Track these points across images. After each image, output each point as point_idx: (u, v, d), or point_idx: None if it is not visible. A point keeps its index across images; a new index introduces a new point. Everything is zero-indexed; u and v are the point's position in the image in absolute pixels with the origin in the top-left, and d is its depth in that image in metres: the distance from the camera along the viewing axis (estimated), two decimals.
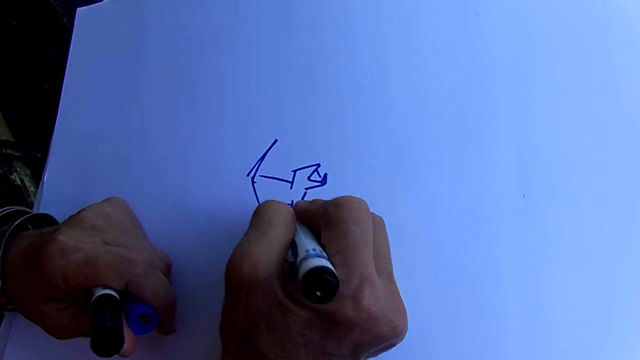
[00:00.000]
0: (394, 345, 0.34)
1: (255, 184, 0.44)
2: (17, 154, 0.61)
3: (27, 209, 0.49)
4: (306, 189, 0.44)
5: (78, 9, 0.54)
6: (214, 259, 0.44)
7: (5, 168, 0.59)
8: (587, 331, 0.40)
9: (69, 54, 0.54)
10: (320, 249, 0.33)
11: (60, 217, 0.49)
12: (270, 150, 0.45)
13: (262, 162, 0.45)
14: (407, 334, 0.34)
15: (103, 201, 0.46)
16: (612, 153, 0.42)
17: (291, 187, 0.44)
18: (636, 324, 0.40)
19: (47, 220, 0.48)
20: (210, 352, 0.43)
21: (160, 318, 0.41)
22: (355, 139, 0.44)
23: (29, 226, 0.47)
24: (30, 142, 0.71)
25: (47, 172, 0.51)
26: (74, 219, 0.43)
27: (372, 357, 0.35)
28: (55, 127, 0.52)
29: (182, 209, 0.46)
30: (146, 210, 0.47)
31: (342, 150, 0.44)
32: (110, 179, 0.49)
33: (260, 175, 0.44)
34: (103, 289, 0.39)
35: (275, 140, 0.45)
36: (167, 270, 0.44)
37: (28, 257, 0.42)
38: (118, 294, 0.40)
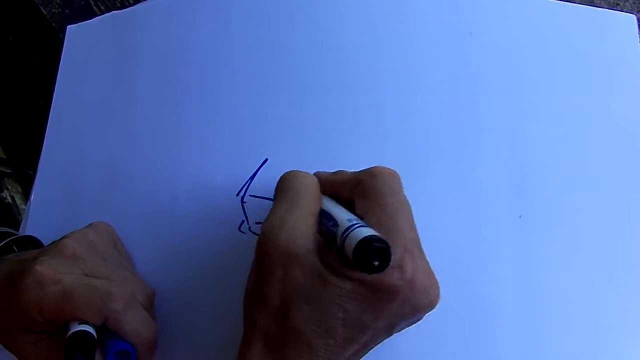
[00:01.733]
0: (420, 319, 0.34)
1: (244, 204, 0.44)
2: (8, 171, 0.60)
3: (12, 231, 0.47)
4: None
5: (68, 26, 0.54)
6: (199, 284, 0.43)
7: None
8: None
9: (58, 72, 0.53)
10: (358, 218, 0.32)
11: (46, 237, 0.48)
12: (261, 170, 0.44)
13: (252, 182, 0.44)
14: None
15: (87, 227, 0.45)
16: (607, 172, 0.43)
17: None
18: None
19: (32, 242, 0.47)
20: None
21: (139, 355, 0.40)
22: (346, 158, 0.43)
23: (14, 248, 0.45)
24: (24, 157, 0.70)
25: (34, 192, 0.50)
26: (54, 247, 0.42)
27: (397, 332, 0.34)
28: (44, 145, 0.52)
29: (170, 229, 0.45)
30: (133, 229, 0.46)
31: (333, 169, 0.43)
32: (98, 198, 0.48)
33: (250, 195, 0.44)
34: (80, 323, 0.38)
35: (266, 160, 0.44)
36: (149, 304, 0.43)
37: (6, 286, 0.40)
38: (96, 328, 0.38)
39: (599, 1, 0.53)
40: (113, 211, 0.47)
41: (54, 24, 0.74)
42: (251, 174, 0.44)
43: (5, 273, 0.42)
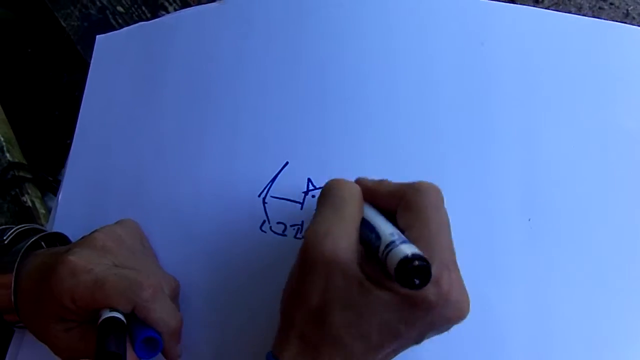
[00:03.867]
0: (449, 329, 0.35)
1: (266, 204, 0.45)
2: (28, 176, 0.62)
3: (41, 227, 0.49)
4: None
5: (97, 36, 0.56)
6: (222, 282, 0.45)
7: (17, 190, 0.60)
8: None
9: (88, 78, 0.55)
10: (400, 232, 0.33)
11: (73, 236, 0.49)
12: (282, 172, 0.46)
13: (273, 184, 0.46)
14: None
15: (115, 223, 0.47)
16: (614, 178, 0.44)
17: (301, 208, 0.45)
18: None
19: (60, 239, 0.49)
20: None
21: (165, 343, 0.41)
22: (364, 162, 0.45)
23: (43, 244, 0.47)
24: (39, 166, 0.72)
25: (61, 192, 0.52)
26: (85, 240, 0.44)
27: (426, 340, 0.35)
28: (72, 148, 0.53)
29: (194, 228, 0.47)
30: (158, 229, 0.48)
31: (351, 173, 0.44)
32: (123, 200, 0.50)
33: (271, 196, 0.45)
34: (110, 311, 0.39)
35: (287, 163, 0.46)
36: (175, 295, 0.44)
37: (39, 276, 0.42)
38: (125, 316, 0.40)
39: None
40: (138, 212, 0.49)
41: (72, 37, 0.76)
42: (272, 177, 0.46)
43: (38, 265, 0.43)
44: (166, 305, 0.41)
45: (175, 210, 0.48)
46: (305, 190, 0.45)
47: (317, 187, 0.45)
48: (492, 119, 0.46)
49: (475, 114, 0.46)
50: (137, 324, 0.40)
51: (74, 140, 0.53)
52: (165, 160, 0.49)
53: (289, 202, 0.45)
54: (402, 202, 0.35)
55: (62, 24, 0.77)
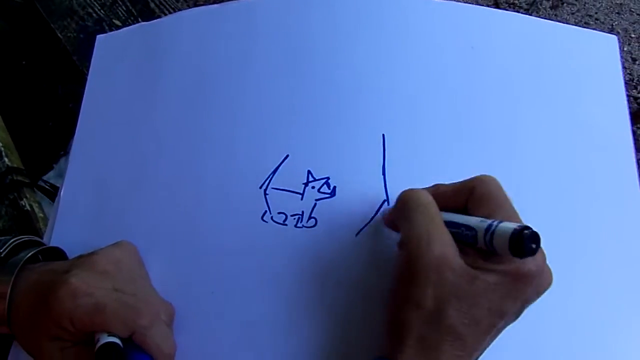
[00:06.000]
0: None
1: (267, 196, 0.47)
2: (27, 181, 0.63)
3: (39, 240, 0.49)
4: (316, 200, 0.46)
5: (98, 35, 0.57)
6: (224, 271, 0.46)
7: (15, 194, 0.60)
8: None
9: (87, 78, 0.56)
10: (484, 219, 0.36)
11: (73, 244, 0.49)
12: (282, 165, 0.47)
13: (274, 176, 0.47)
14: None
15: (114, 245, 0.47)
16: (591, 181, 0.48)
17: (302, 199, 0.46)
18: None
19: (57, 253, 0.49)
20: None
21: None
22: (363, 154, 0.47)
23: (39, 257, 0.47)
24: (33, 176, 0.72)
25: (63, 190, 0.52)
26: (85, 262, 0.44)
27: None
28: (72, 148, 0.54)
29: (196, 221, 0.48)
30: (160, 224, 0.49)
31: (350, 165, 0.46)
32: (124, 197, 0.50)
33: (272, 188, 0.47)
34: (108, 335, 0.40)
35: (287, 156, 0.48)
36: (170, 321, 0.45)
37: (36, 293, 0.42)
38: (121, 341, 0.40)
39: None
40: (140, 208, 0.49)
41: (69, 48, 0.78)
42: (273, 169, 0.48)
43: (34, 282, 0.43)
44: (162, 332, 0.42)
45: (177, 204, 0.49)
46: (305, 181, 0.47)
47: (317, 178, 0.47)
48: (478, 118, 0.48)
49: (462, 112, 0.48)
50: (132, 349, 0.41)
51: (74, 141, 0.54)
52: (166, 157, 0.50)
53: (289, 193, 0.47)
54: (472, 196, 0.38)
55: (59, 35, 0.79)
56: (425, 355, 0.35)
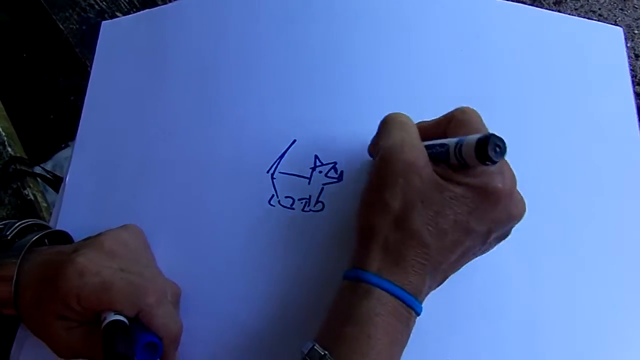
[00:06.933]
0: (508, 233, 0.39)
1: (274, 180, 0.47)
2: (30, 170, 0.62)
3: (45, 223, 0.49)
4: (323, 184, 0.46)
5: (103, 22, 0.57)
6: (231, 255, 0.46)
7: (18, 183, 0.60)
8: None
9: (93, 64, 0.56)
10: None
11: (79, 228, 0.49)
12: (289, 150, 0.47)
13: (281, 161, 0.47)
14: None
15: (121, 227, 0.47)
16: (595, 174, 0.48)
17: (309, 183, 0.46)
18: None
19: (63, 237, 0.49)
20: None
21: (165, 348, 0.42)
22: (369, 139, 0.47)
23: (45, 241, 0.47)
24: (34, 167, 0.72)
25: (68, 176, 0.52)
26: (92, 243, 0.44)
27: (492, 247, 0.39)
28: (77, 135, 0.54)
29: (203, 205, 0.48)
30: (169, 208, 0.49)
31: (358, 151, 0.46)
32: (131, 183, 0.50)
33: (279, 172, 0.47)
34: (115, 314, 0.40)
35: (294, 141, 0.48)
36: (176, 301, 0.45)
37: (43, 274, 0.42)
38: (127, 320, 0.40)
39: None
40: (147, 194, 0.50)
41: (71, 40, 0.78)
42: (280, 154, 0.48)
43: (41, 262, 0.43)
44: (169, 311, 0.42)
45: (183, 188, 0.49)
46: (312, 166, 0.47)
47: (324, 163, 0.47)
48: (485, 108, 0.47)
49: (470, 100, 0.47)
50: (139, 329, 0.41)
51: (79, 126, 0.54)
52: (173, 142, 0.50)
53: (296, 178, 0.47)
54: (451, 124, 0.39)
55: (61, 27, 0.78)
56: (390, 259, 0.36)
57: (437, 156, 0.37)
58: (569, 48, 0.51)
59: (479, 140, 0.34)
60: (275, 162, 0.47)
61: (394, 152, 0.37)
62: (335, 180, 0.46)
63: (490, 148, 0.33)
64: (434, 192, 0.36)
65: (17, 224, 0.46)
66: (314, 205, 0.46)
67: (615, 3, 0.64)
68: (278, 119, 0.49)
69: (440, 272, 0.37)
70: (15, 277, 0.42)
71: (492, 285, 0.44)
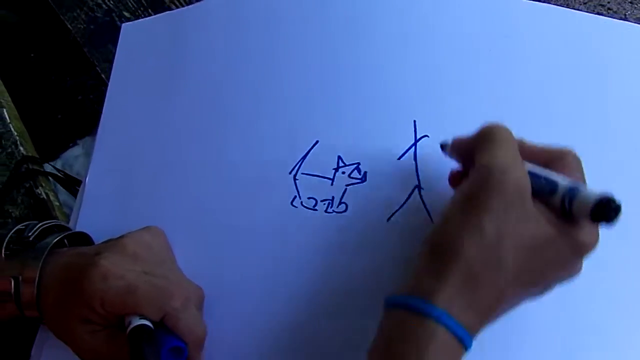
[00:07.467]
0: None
1: (297, 181, 0.47)
2: (42, 169, 0.62)
3: (65, 224, 0.49)
4: (346, 185, 0.46)
5: (123, 24, 0.57)
6: (253, 258, 0.46)
7: (30, 182, 0.60)
8: None
9: (113, 67, 0.56)
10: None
11: (99, 230, 0.49)
12: (312, 151, 0.47)
13: (304, 162, 0.47)
14: None
15: (143, 229, 0.47)
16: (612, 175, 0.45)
17: (332, 184, 0.46)
18: None
19: (83, 238, 0.49)
20: None
21: (190, 352, 0.41)
22: (394, 140, 0.47)
23: (65, 242, 0.47)
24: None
25: (87, 185, 0.52)
26: (115, 245, 0.43)
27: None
28: (97, 135, 0.53)
29: (225, 206, 0.48)
30: (190, 209, 0.49)
31: (381, 151, 0.46)
32: (150, 185, 0.50)
33: (302, 173, 0.47)
34: (140, 318, 0.40)
35: (317, 141, 0.47)
36: (201, 305, 0.45)
37: (66, 276, 0.42)
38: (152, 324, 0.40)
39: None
40: (167, 195, 0.49)
41: (79, 39, 0.77)
42: (303, 155, 0.47)
43: (63, 265, 0.43)
44: (194, 316, 0.42)
45: (205, 190, 0.49)
46: (335, 167, 0.47)
47: (347, 163, 0.46)
48: (512, 107, 0.48)
49: (497, 99, 0.48)
50: (163, 332, 0.40)
51: (99, 126, 0.54)
52: (194, 144, 0.50)
53: (319, 179, 0.47)
54: (560, 162, 0.36)
55: (69, 26, 0.78)
56: (467, 290, 0.32)
57: (539, 190, 0.34)
58: (600, 49, 0.50)
59: (602, 199, 0.32)
60: (298, 163, 0.47)
61: (499, 174, 0.33)
62: (359, 181, 0.46)
63: (611, 210, 0.32)
64: (532, 228, 0.33)
65: (38, 225, 0.46)
66: (337, 207, 0.46)
67: None
68: (300, 120, 0.48)
69: (500, 309, 0.34)
70: (37, 278, 0.42)
71: None
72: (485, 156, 0.35)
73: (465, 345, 0.32)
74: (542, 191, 0.34)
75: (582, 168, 0.37)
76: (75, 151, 0.81)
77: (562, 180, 0.34)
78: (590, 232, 0.34)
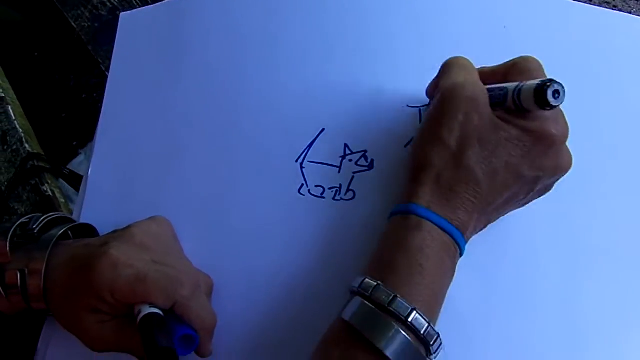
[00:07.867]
0: (551, 187, 0.39)
1: (303, 169, 0.46)
2: (47, 166, 0.62)
3: (69, 216, 0.49)
4: (354, 173, 0.46)
5: (121, 13, 0.57)
6: (260, 248, 0.45)
7: (37, 179, 0.60)
8: None
9: (112, 56, 0.56)
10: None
11: (102, 222, 0.49)
12: (318, 139, 0.47)
13: (310, 150, 0.47)
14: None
15: (149, 219, 0.47)
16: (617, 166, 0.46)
17: (339, 172, 0.46)
18: None
19: (88, 230, 0.48)
20: None
21: (200, 340, 0.41)
22: (401, 127, 0.46)
23: (70, 234, 0.47)
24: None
25: (90, 178, 0.52)
26: (122, 235, 0.43)
27: (533, 199, 0.40)
28: (99, 127, 0.53)
29: (231, 195, 0.47)
30: (194, 202, 0.48)
31: (387, 138, 0.46)
32: (155, 175, 0.50)
33: (308, 161, 0.46)
34: (150, 306, 0.39)
35: (323, 129, 0.47)
36: (210, 293, 0.45)
37: (73, 267, 0.42)
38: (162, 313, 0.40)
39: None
40: (172, 185, 0.49)
41: (83, 37, 0.77)
42: (309, 143, 0.47)
43: (70, 256, 0.43)
44: (204, 303, 0.42)
45: (210, 179, 0.48)
46: (342, 154, 0.46)
47: (354, 151, 0.46)
48: None
49: None
50: (174, 321, 0.40)
51: (100, 118, 0.53)
52: (198, 133, 0.50)
53: (326, 167, 0.46)
54: (513, 69, 0.39)
55: (73, 25, 0.78)
56: (441, 194, 0.36)
57: (496, 99, 0.37)
58: (605, 42, 0.50)
59: (539, 84, 0.34)
60: (304, 151, 0.47)
61: (454, 90, 0.37)
62: (365, 168, 0.46)
63: (549, 92, 0.33)
64: (490, 132, 0.36)
65: (42, 218, 0.46)
66: (345, 194, 0.45)
67: None
68: (306, 108, 0.48)
69: (486, 214, 0.38)
70: (44, 271, 0.42)
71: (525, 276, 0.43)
72: (444, 78, 0.39)
73: (454, 239, 0.36)
74: (498, 100, 0.37)
75: (541, 68, 0.39)
76: (79, 159, 0.81)
77: (511, 84, 0.37)
78: (551, 120, 0.36)
